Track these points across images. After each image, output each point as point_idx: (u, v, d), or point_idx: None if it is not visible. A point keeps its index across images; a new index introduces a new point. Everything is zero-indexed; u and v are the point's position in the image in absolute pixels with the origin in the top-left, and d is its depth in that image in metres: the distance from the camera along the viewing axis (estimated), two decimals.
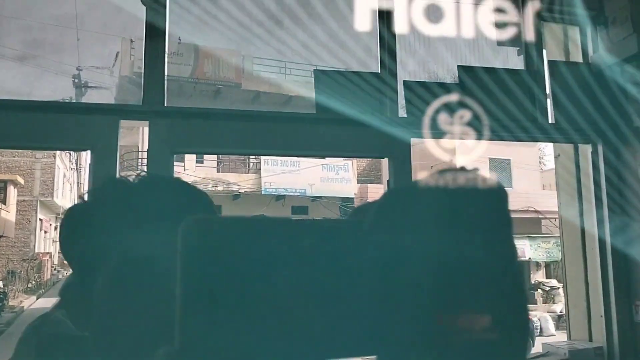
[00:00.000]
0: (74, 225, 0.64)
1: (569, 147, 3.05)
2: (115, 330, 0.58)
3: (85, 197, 0.64)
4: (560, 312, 9.55)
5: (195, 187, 0.71)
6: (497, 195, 0.32)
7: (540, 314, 9.99)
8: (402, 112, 2.65)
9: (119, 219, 0.60)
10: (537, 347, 3.31)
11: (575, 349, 2.75)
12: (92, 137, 2.31)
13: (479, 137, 2.70)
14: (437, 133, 2.81)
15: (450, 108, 2.69)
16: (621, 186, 2.76)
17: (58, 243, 0.68)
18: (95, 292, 0.59)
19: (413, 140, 2.66)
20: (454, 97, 2.71)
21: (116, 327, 0.58)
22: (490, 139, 2.76)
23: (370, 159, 13.45)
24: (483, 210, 0.31)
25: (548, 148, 14.70)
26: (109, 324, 0.58)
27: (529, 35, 2.85)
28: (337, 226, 0.33)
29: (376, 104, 2.60)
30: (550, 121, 2.83)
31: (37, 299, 13.33)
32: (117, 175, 0.71)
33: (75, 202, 0.64)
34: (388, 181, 2.57)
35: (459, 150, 12.96)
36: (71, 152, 16.15)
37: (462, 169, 0.33)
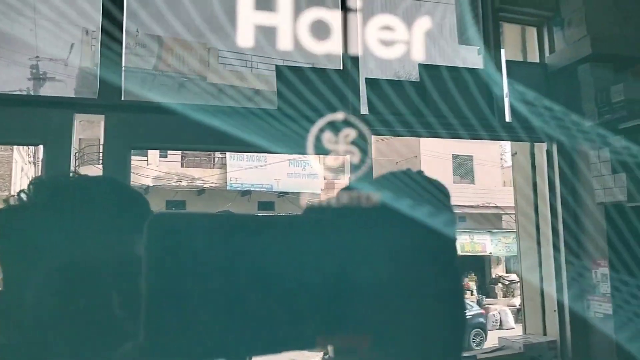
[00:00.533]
0: (3, 227, 0.62)
1: (525, 145, 3.13)
2: (55, 331, 0.57)
3: (14, 199, 0.63)
4: (519, 305, 9.81)
5: (130, 187, 0.70)
6: (442, 193, 0.34)
7: (500, 308, 10.26)
8: (363, 109, 2.66)
9: (50, 220, 0.59)
10: (493, 341, 3.39)
11: (529, 343, 2.82)
12: (45, 132, 2.24)
13: (439, 134, 2.74)
14: (398, 130, 2.83)
15: (410, 105, 2.71)
16: (573, 183, 2.85)
17: None
18: (29, 294, 0.57)
19: (379, 137, 2.69)
20: (414, 95, 2.73)
21: (55, 328, 0.56)
22: (449, 137, 2.81)
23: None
24: (428, 207, 0.33)
25: (508, 145, 15.05)
26: (49, 324, 0.57)
27: (488, 35, 2.90)
28: (298, 222, 0.34)
29: (338, 101, 2.61)
30: (507, 120, 2.89)
31: None
32: (45, 176, 0.69)
33: (4, 204, 0.63)
34: (349, 178, 2.58)
35: (423, 146, 13.16)
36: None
37: (409, 170, 0.35)
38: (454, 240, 0.35)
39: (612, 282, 2.61)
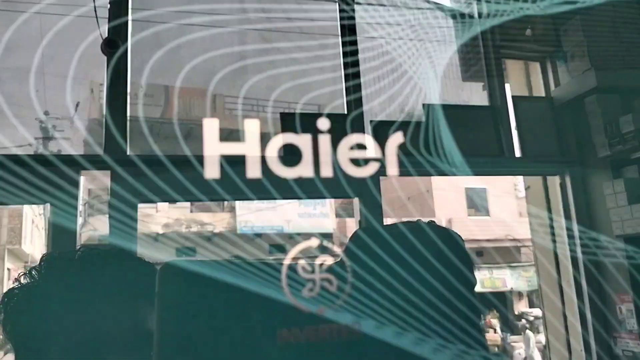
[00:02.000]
0: (15, 306, 0.62)
1: (538, 178, 3.08)
2: None
3: (26, 277, 0.62)
4: (545, 343, 9.53)
5: (138, 258, 0.69)
6: (453, 241, 0.32)
7: (524, 346, 9.97)
8: (369, 152, 2.64)
9: (61, 298, 0.58)
10: None
11: None
12: (52, 190, 2.23)
13: (448, 173, 2.71)
14: (406, 171, 2.81)
15: (417, 145, 2.69)
16: (590, 216, 2.78)
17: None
18: None
19: (388, 174, 2.67)
20: (421, 134, 2.71)
21: None
22: (460, 174, 2.77)
23: None
24: (440, 255, 0.32)
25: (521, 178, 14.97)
26: None
27: (492, 72, 2.90)
28: (311, 268, 0.33)
29: (344, 144, 2.59)
30: (517, 155, 2.85)
31: (4, 355, 12.78)
32: (56, 253, 0.68)
33: (16, 283, 0.62)
34: (359, 221, 2.53)
35: (434, 181, 13.11)
36: None
37: (419, 221, 0.34)
38: (472, 288, 0.33)
39: (638, 318, 2.51)
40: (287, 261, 0.34)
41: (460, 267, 0.34)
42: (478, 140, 2.80)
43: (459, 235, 0.35)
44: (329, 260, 0.36)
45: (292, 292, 0.32)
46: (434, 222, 0.36)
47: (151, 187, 2.33)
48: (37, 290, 0.61)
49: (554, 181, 2.94)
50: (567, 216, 2.84)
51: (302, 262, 0.34)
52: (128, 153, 2.36)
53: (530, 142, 2.87)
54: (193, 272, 0.31)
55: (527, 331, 9.95)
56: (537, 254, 3.06)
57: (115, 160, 2.31)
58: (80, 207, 2.29)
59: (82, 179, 2.33)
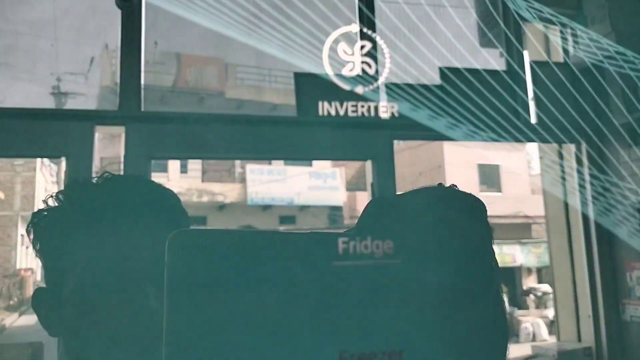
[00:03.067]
0: (44, 226, 0.64)
1: (553, 147, 3.05)
2: (87, 332, 0.57)
3: (53, 200, 0.64)
4: (553, 317, 9.57)
5: (162, 186, 0.71)
6: (476, 210, 0.30)
7: (532, 320, 10.02)
8: (383, 114, 2.62)
9: (87, 221, 0.59)
10: (526, 350, 3.29)
11: (564, 350, 2.72)
12: (67, 144, 2.25)
13: (462, 138, 2.69)
14: (419, 134, 2.79)
15: (432, 109, 2.67)
16: (604, 184, 2.76)
17: (28, 239, 0.68)
18: (66, 293, 0.58)
19: (402, 146, 2.66)
20: (436, 99, 2.69)
21: (88, 329, 0.57)
22: (474, 140, 2.75)
23: (357, 166, 13.45)
24: (461, 225, 0.30)
25: (535, 153, 14.83)
26: (81, 325, 0.58)
27: (510, 37, 2.85)
28: (324, 239, 0.32)
29: (359, 106, 2.58)
30: (533, 121, 2.82)
31: (19, 316, 13.07)
32: (81, 179, 0.70)
33: (44, 205, 0.64)
34: (372, 184, 2.53)
35: (447, 156, 13.05)
36: (51, 165, 15.97)
37: (440, 185, 0.32)
38: (491, 256, 0.32)
39: None
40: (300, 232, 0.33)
41: (483, 237, 0.32)
42: (494, 106, 2.77)
43: (482, 203, 0.33)
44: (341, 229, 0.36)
45: (306, 265, 0.31)
46: (455, 186, 0.34)
47: (165, 144, 2.35)
48: (64, 211, 0.62)
49: (569, 149, 2.91)
50: (582, 185, 2.83)
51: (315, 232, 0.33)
52: (142, 109, 2.36)
53: (546, 109, 2.84)
54: (204, 241, 0.31)
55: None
56: (550, 224, 3.06)
57: (130, 117, 2.32)
58: (95, 163, 2.31)
59: (97, 135, 2.34)
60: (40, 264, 0.62)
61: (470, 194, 0.31)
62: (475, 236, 0.31)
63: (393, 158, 2.52)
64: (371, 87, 2.64)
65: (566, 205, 2.95)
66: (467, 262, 0.30)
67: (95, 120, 2.33)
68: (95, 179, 0.64)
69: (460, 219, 0.30)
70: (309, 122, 2.49)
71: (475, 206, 0.32)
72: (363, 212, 0.32)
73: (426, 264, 0.29)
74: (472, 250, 0.30)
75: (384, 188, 2.48)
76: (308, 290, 0.29)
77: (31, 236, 0.62)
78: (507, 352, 0.31)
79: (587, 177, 2.82)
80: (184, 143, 2.40)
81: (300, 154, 2.66)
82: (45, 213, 0.62)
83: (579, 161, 2.84)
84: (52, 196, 0.63)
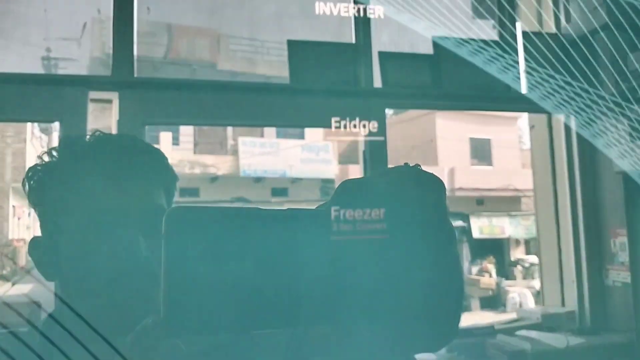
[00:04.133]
0: (39, 179, 0.67)
1: (543, 118, 3.09)
2: (81, 278, 0.60)
3: (47, 155, 0.68)
4: (539, 288, 9.75)
5: (150, 144, 0.75)
6: (436, 186, 0.36)
7: (519, 290, 10.21)
8: (377, 83, 2.64)
9: (79, 174, 0.63)
10: (511, 316, 3.38)
11: (548, 314, 2.81)
12: (60, 109, 2.25)
13: (454, 108, 2.72)
14: (412, 104, 2.81)
15: (424, 79, 2.69)
16: (592, 154, 2.82)
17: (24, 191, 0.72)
18: (60, 241, 0.61)
19: (395, 120, 2.69)
20: (428, 68, 2.70)
21: (81, 275, 0.60)
22: (465, 110, 2.78)
23: (349, 140, 13.46)
24: (423, 199, 0.35)
25: (526, 127, 14.87)
26: (75, 271, 0.61)
27: (503, 6, 2.86)
28: (312, 215, 0.36)
29: (351, 75, 2.59)
30: (523, 92, 2.85)
31: (12, 285, 13.14)
32: (73, 136, 0.74)
33: (38, 160, 0.67)
34: (364, 152, 2.56)
35: (439, 130, 13.08)
36: (42, 136, 15.78)
37: (406, 165, 0.37)
38: (449, 225, 0.37)
39: (630, 251, 2.59)
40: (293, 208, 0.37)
41: (440, 213, 0.37)
42: (485, 76, 2.79)
43: (441, 181, 0.38)
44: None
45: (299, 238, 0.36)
46: (419, 166, 0.38)
47: (159, 110, 2.36)
48: (57, 164, 0.66)
49: (559, 120, 2.95)
50: (570, 154, 2.88)
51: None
52: (136, 75, 2.36)
53: (537, 79, 2.86)
54: (197, 217, 0.35)
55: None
56: (537, 186, 3.11)
57: (123, 82, 2.32)
58: (87, 128, 2.32)
59: (90, 101, 2.35)
60: (34, 214, 0.66)
61: (431, 173, 0.36)
62: (435, 209, 0.35)
63: (385, 126, 2.55)
64: (364, 55, 2.64)
65: (554, 178, 3.00)
66: (428, 231, 0.34)
67: (88, 86, 2.33)
68: (87, 136, 0.68)
69: (423, 195, 0.35)
70: (301, 90, 2.50)
71: (435, 183, 0.36)
72: (335, 192, 0.36)
73: (393, 234, 0.33)
74: (432, 220, 0.35)
75: (376, 161, 2.52)
76: (291, 260, 0.33)
77: (26, 188, 0.65)
78: (463, 302, 0.36)
79: (575, 146, 2.86)
80: (178, 109, 2.41)
81: (292, 122, 2.68)
82: (40, 167, 0.65)
83: (567, 131, 2.89)
84: (46, 152, 0.66)
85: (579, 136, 2.85)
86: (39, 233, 0.66)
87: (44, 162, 0.67)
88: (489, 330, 2.78)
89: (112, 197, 0.61)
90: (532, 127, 3.21)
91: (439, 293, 0.34)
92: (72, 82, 2.34)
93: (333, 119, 2.35)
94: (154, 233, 0.63)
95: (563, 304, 2.90)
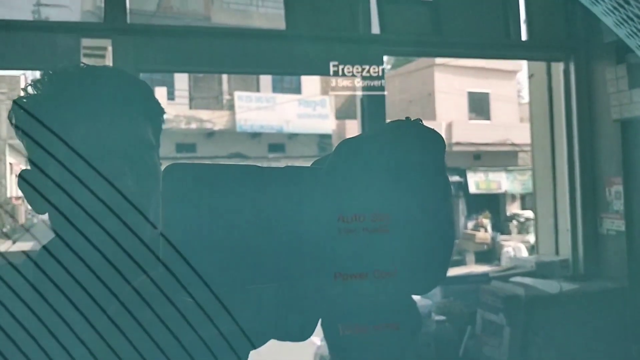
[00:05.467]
0: (24, 112, 0.67)
1: (542, 66, 3.05)
2: (70, 209, 0.61)
3: (32, 88, 0.67)
4: (534, 242, 9.89)
5: (135, 77, 0.75)
6: (437, 142, 0.37)
7: (514, 244, 10.36)
8: (375, 29, 2.59)
9: (65, 105, 0.63)
10: (505, 263, 3.44)
11: (542, 262, 2.86)
12: (53, 56, 2.21)
13: (453, 54, 2.68)
14: (411, 50, 2.77)
15: (423, 25, 2.64)
16: (590, 102, 2.80)
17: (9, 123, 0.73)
18: (48, 172, 0.61)
19: (393, 74, 2.65)
20: (427, 14, 2.65)
21: (70, 206, 0.60)
22: (464, 56, 2.74)
23: (347, 94, 13.33)
24: (422, 156, 0.37)
25: (525, 82, 14.75)
26: (64, 202, 0.61)
27: None
28: (306, 173, 0.37)
29: (349, 21, 2.54)
30: (523, 38, 2.81)
31: (13, 243, 13.26)
32: (59, 67, 0.73)
33: (23, 92, 0.67)
34: (361, 99, 2.54)
35: (437, 84, 12.95)
36: None
37: (407, 119, 0.38)
38: (446, 180, 0.38)
39: (625, 199, 2.61)
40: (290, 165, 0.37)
41: (438, 169, 0.38)
42: (485, 22, 2.73)
43: (442, 137, 0.39)
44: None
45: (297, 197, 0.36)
46: (420, 120, 0.39)
47: (153, 57, 2.32)
48: (43, 97, 0.66)
49: (558, 67, 2.92)
50: (568, 102, 2.86)
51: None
52: (129, 22, 2.31)
53: (537, 26, 2.81)
54: (195, 173, 0.35)
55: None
56: (534, 135, 3.11)
57: (116, 29, 2.27)
58: None
59: (83, 48, 2.30)
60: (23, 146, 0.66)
61: (432, 129, 0.37)
62: (433, 164, 0.37)
63: (383, 73, 2.52)
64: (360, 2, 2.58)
65: (552, 130, 2.99)
66: (425, 186, 0.35)
67: (81, 33, 2.28)
68: (72, 68, 0.67)
69: (422, 150, 0.36)
70: (298, 36, 2.46)
71: (436, 139, 0.37)
72: (334, 152, 0.37)
73: (392, 190, 0.34)
74: (429, 176, 0.37)
75: (375, 116, 2.50)
76: (292, 218, 0.33)
77: (13, 121, 0.65)
78: (452, 252, 0.39)
79: (573, 94, 2.84)
80: (172, 56, 2.37)
81: (288, 69, 2.64)
82: (25, 100, 0.65)
83: (566, 78, 2.86)
84: (31, 85, 0.66)
85: (578, 84, 2.83)
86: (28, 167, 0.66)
87: (29, 95, 0.66)
88: (484, 278, 2.83)
89: (97, 128, 0.61)
90: (531, 76, 3.18)
91: (431, 243, 0.37)
92: (64, 28, 2.29)
93: (331, 63, 2.32)
94: (140, 164, 0.64)
95: (557, 253, 2.95)
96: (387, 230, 0.35)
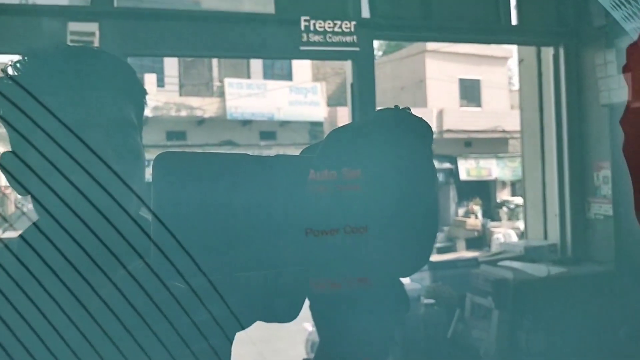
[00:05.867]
0: (4, 91, 0.66)
1: (532, 51, 3.05)
2: (52, 188, 0.60)
3: (12, 69, 0.66)
4: (524, 229, 9.97)
5: (117, 57, 0.73)
6: (425, 130, 0.38)
7: (504, 231, 10.43)
8: (365, 13, 2.58)
9: (46, 86, 0.62)
10: (495, 249, 3.46)
11: (530, 246, 2.88)
12: (40, 42, 2.18)
13: (443, 38, 2.68)
14: (400, 35, 2.76)
15: (413, 9, 2.63)
16: (579, 87, 2.81)
17: None
18: (29, 154, 0.61)
19: (384, 60, 2.64)
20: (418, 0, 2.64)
21: (52, 186, 0.60)
22: (454, 41, 2.74)
23: (338, 81, 13.29)
24: (410, 145, 0.38)
25: (516, 68, 14.77)
26: (46, 182, 0.60)
27: None
28: (297, 161, 0.37)
29: (339, 5, 2.52)
30: (513, 23, 2.81)
31: (2, 232, 13.18)
32: (40, 48, 0.73)
33: (3, 74, 0.66)
34: (352, 84, 2.53)
35: (428, 71, 12.93)
36: None
37: (396, 107, 0.39)
38: (432, 168, 0.39)
39: (613, 184, 2.63)
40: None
41: (425, 158, 0.39)
42: (475, 6, 2.73)
43: (430, 126, 0.40)
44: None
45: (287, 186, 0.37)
46: (409, 109, 0.40)
47: (141, 40, 2.29)
48: (23, 77, 0.65)
49: (548, 52, 2.92)
50: (557, 86, 2.87)
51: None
52: (115, 5, 2.28)
53: (527, 11, 2.81)
54: (184, 161, 0.35)
55: None
56: (524, 121, 3.12)
57: (103, 12, 2.24)
58: None
59: (69, 32, 2.27)
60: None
61: (420, 117, 0.38)
62: (421, 153, 0.38)
63: (373, 58, 2.51)
64: None
65: (542, 116, 3.00)
66: (411, 174, 0.37)
67: (68, 17, 2.25)
68: (52, 49, 0.66)
69: (410, 139, 0.36)
70: (288, 20, 2.44)
71: (423, 128, 0.38)
72: (324, 141, 0.37)
73: (378, 177, 0.35)
74: (416, 165, 0.38)
75: (365, 103, 2.49)
76: (279, 205, 0.34)
77: None
78: (435, 237, 0.40)
79: (562, 79, 2.85)
80: (161, 40, 2.35)
81: (279, 54, 2.62)
82: (6, 81, 0.64)
83: (556, 63, 2.87)
84: (10, 65, 0.65)
85: (567, 69, 2.84)
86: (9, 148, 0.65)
87: (9, 75, 0.66)
88: (473, 262, 2.86)
89: (78, 108, 0.61)
90: (521, 61, 3.18)
91: (416, 229, 0.38)
92: (50, 12, 2.26)
93: (302, 18, 2.28)
94: (121, 142, 0.64)
95: (546, 238, 2.98)
96: (372, 214, 0.35)
